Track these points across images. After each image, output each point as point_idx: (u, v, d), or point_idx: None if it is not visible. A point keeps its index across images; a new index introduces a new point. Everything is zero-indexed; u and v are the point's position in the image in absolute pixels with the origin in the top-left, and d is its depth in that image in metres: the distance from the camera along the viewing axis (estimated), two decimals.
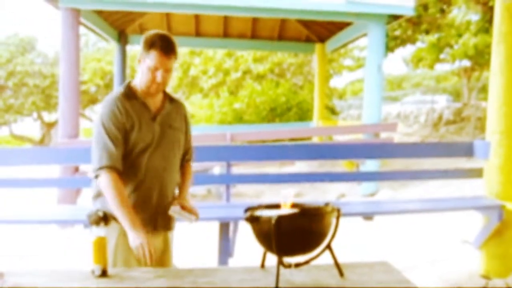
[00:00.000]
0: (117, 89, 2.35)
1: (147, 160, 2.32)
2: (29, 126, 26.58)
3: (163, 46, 2.23)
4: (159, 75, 2.25)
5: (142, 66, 2.27)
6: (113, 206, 2.18)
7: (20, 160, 4.28)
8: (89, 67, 23.42)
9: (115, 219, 2.24)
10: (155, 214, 2.37)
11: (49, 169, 7.00)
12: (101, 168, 2.20)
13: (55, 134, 23.11)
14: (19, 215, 4.07)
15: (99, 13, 10.19)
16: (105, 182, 2.19)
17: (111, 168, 2.20)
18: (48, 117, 25.57)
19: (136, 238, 2.12)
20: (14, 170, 6.07)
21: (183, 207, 2.37)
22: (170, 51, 2.25)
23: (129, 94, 2.32)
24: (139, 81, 2.32)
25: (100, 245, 1.99)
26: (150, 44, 2.23)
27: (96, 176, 2.24)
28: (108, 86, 22.94)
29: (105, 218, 2.22)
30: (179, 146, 2.48)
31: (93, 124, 2.30)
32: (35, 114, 24.51)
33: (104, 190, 2.21)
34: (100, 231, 2.04)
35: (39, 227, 6.09)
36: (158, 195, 2.38)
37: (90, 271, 2.01)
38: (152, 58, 2.22)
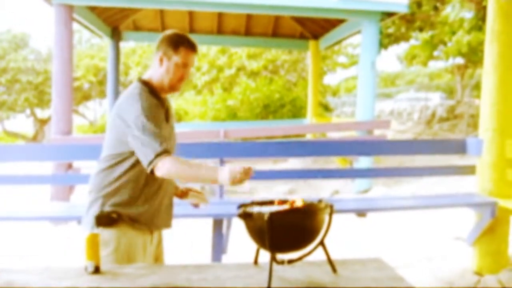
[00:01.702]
0: (136, 85, 2.28)
1: None
2: (22, 123, 26.48)
3: (191, 43, 2.31)
4: (186, 72, 2.32)
5: (168, 65, 2.28)
6: (192, 177, 2.11)
7: (13, 156, 4.26)
8: (83, 63, 23.36)
9: (128, 219, 2.25)
10: (163, 213, 2.39)
11: (42, 165, 6.99)
12: (157, 156, 2.08)
13: (48, 131, 23.01)
14: (11, 211, 4.06)
15: (93, 9, 10.14)
16: (169, 165, 2.07)
17: (167, 152, 2.10)
18: (41, 113, 25.48)
19: (231, 173, 2.01)
20: (7, 167, 6.04)
21: (196, 192, 2.51)
22: (196, 47, 2.34)
23: (152, 91, 2.29)
24: (159, 79, 2.31)
25: (93, 242, 1.98)
26: (177, 42, 2.28)
27: (152, 170, 2.11)
28: (102, 83, 22.89)
29: (118, 219, 2.22)
30: (176, 146, 2.51)
31: (132, 123, 2.14)
32: (28, 111, 24.40)
33: (172, 173, 2.09)
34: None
35: (31, 224, 6.07)
36: (169, 196, 2.42)
37: (83, 267, 2.00)
38: (182, 55, 2.28)
